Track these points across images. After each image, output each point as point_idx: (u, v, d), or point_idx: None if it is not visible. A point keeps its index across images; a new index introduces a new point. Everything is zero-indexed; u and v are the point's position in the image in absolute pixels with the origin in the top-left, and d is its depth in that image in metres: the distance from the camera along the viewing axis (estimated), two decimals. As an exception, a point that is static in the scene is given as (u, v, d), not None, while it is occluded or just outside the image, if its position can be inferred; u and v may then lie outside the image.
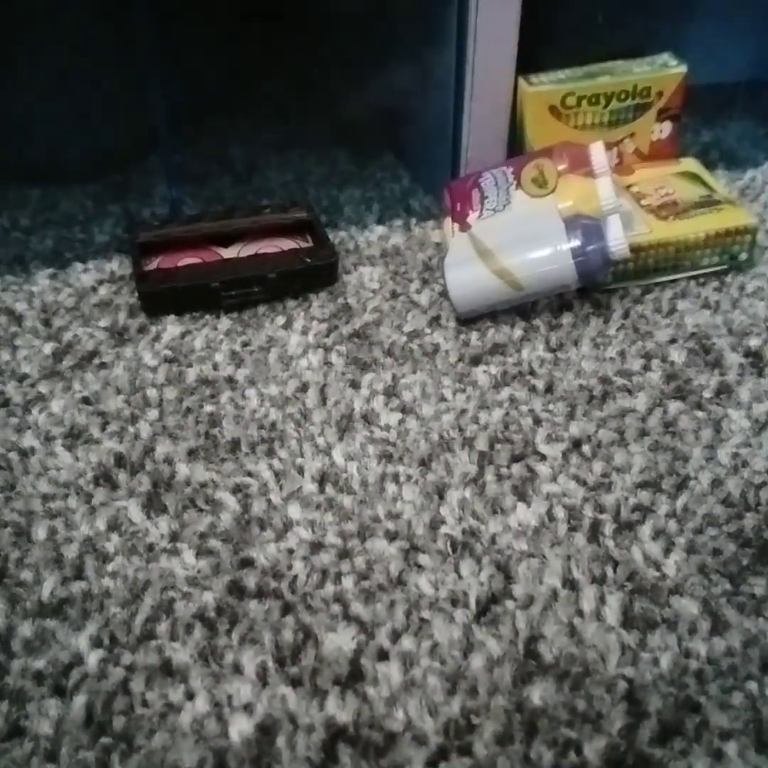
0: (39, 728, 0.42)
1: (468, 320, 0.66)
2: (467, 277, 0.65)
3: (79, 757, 0.41)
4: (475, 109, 0.72)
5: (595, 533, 0.50)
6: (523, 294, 0.65)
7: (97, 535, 0.50)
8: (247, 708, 0.42)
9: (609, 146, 0.73)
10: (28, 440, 0.56)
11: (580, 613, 0.46)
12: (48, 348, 0.64)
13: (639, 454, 0.55)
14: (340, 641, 0.45)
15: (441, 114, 0.74)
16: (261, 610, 0.46)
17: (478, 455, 0.55)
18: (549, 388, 0.60)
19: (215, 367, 0.62)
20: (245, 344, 0.64)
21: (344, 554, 0.49)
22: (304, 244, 0.72)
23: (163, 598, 0.47)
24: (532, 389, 0.60)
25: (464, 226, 0.68)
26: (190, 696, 0.43)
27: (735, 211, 0.70)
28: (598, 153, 0.65)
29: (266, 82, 0.80)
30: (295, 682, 0.43)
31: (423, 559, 0.49)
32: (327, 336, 0.65)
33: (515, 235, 0.65)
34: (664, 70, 0.74)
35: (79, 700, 0.43)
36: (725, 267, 0.70)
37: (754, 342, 0.63)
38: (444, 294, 0.68)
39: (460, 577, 0.48)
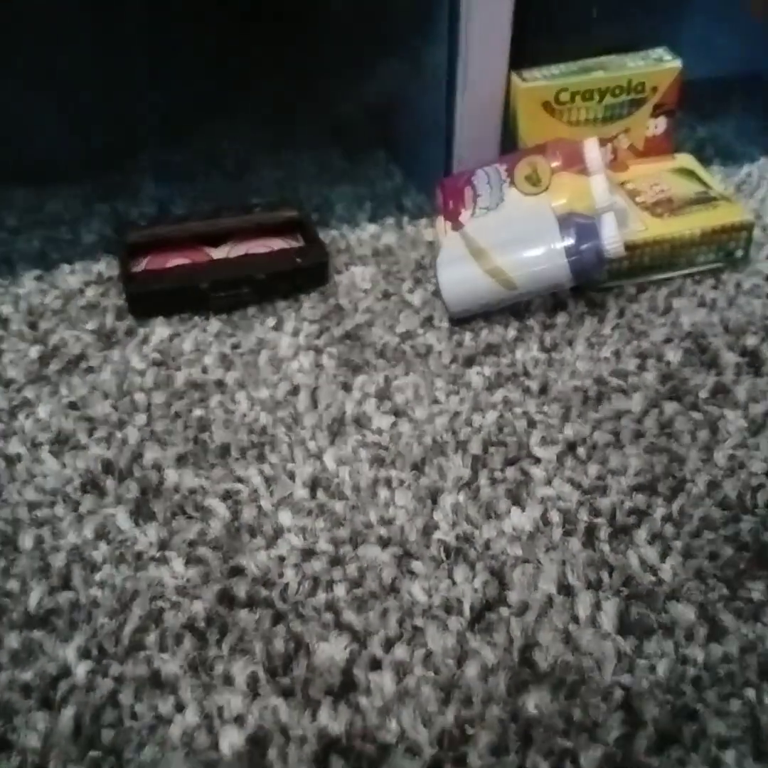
0: (26, 742, 0.41)
1: (461, 320, 0.65)
2: (460, 276, 0.64)
3: (67, 772, 0.40)
4: (468, 105, 0.71)
5: (590, 538, 0.50)
6: (517, 293, 0.64)
7: (84, 543, 0.50)
8: (238, 720, 0.42)
9: (603, 142, 0.72)
10: (14, 447, 0.55)
11: (575, 619, 0.46)
12: (34, 352, 0.63)
13: (634, 456, 0.54)
14: (333, 650, 0.44)
15: (433, 111, 0.73)
16: (252, 619, 0.46)
17: (472, 459, 0.54)
18: (543, 390, 0.59)
19: (204, 370, 0.61)
20: (235, 346, 0.63)
21: (336, 561, 0.48)
22: (294, 244, 0.71)
23: (152, 608, 0.46)
24: (527, 390, 0.59)
25: (457, 225, 0.67)
26: (179, 708, 0.42)
27: (731, 208, 0.69)
28: (592, 150, 0.65)
29: (256, 80, 0.79)
30: (286, 693, 0.43)
31: (416, 565, 0.48)
32: (318, 337, 0.64)
33: (508, 233, 0.64)
34: (659, 65, 0.73)
35: (67, 713, 0.42)
36: (721, 264, 0.69)
37: (750, 341, 0.63)
38: (437, 294, 0.67)
39: (453, 583, 0.47)
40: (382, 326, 0.65)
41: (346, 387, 0.60)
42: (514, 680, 0.43)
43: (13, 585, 0.48)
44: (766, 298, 0.67)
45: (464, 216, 0.67)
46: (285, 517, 0.51)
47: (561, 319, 0.65)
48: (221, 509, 0.51)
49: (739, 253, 0.69)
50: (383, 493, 0.52)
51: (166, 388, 0.60)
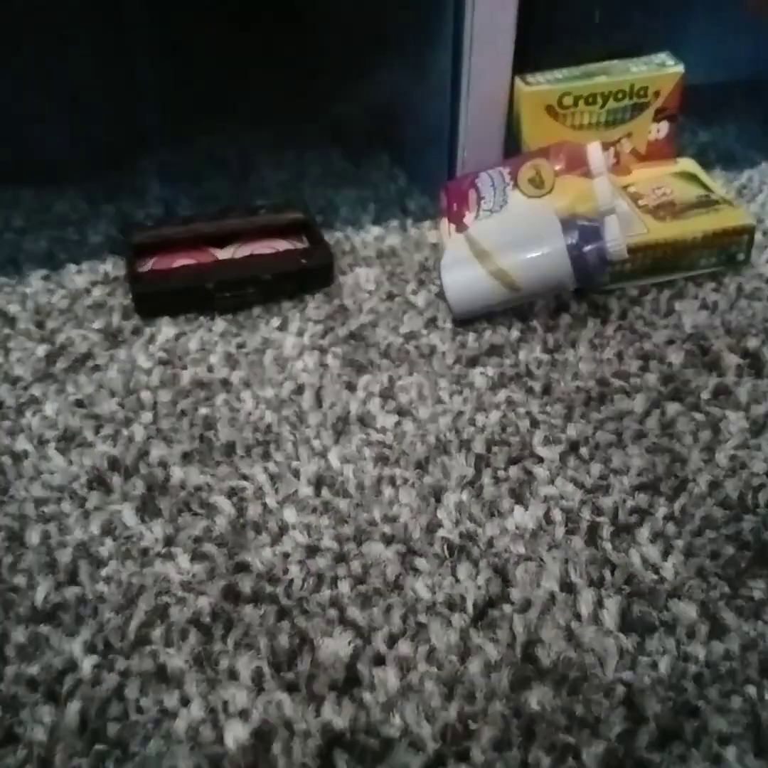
0: (33, 735, 0.41)
1: (465, 321, 0.65)
2: (464, 278, 0.64)
3: (74, 764, 0.40)
4: (472, 108, 0.71)
5: (592, 536, 0.50)
6: (520, 295, 0.64)
7: (90, 539, 0.50)
8: (243, 714, 0.42)
9: (606, 146, 0.72)
10: (21, 444, 0.56)
11: (577, 616, 0.46)
12: (41, 350, 0.63)
13: (637, 456, 0.55)
14: (337, 646, 0.44)
15: (437, 114, 0.74)
16: (256, 615, 0.46)
17: (475, 458, 0.55)
18: (546, 390, 0.60)
19: (210, 369, 0.62)
20: (240, 346, 0.64)
21: (340, 558, 0.49)
22: (299, 245, 0.71)
23: (158, 603, 0.47)
24: (530, 391, 0.60)
25: (461, 227, 0.67)
26: (185, 702, 0.43)
27: (732, 212, 0.70)
28: (595, 153, 0.65)
29: (261, 83, 0.80)
30: (291, 688, 0.43)
31: (420, 562, 0.49)
32: (323, 338, 0.64)
33: (512, 235, 0.64)
34: (662, 70, 0.73)
35: (73, 707, 0.42)
36: (723, 267, 0.70)
37: (752, 343, 0.63)
38: (440, 295, 0.67)
39: (457, 580, 0.48)
40: (386, 327, 0.65)
41: (351, 386, 0.60)
42: (517, 676, 0.43)
43: (20, 580, 0.48)
44: (766, 300, 0.67)
45: (468, 218, 0.67)
46: (290, 515, 0.51)
47: (564, 320, 0.66)
48: (226, 506, 0.52)
49: (741, 257, 0.70)
50: (387, 491, 0.53)
51: (172, 386, 0.60)
